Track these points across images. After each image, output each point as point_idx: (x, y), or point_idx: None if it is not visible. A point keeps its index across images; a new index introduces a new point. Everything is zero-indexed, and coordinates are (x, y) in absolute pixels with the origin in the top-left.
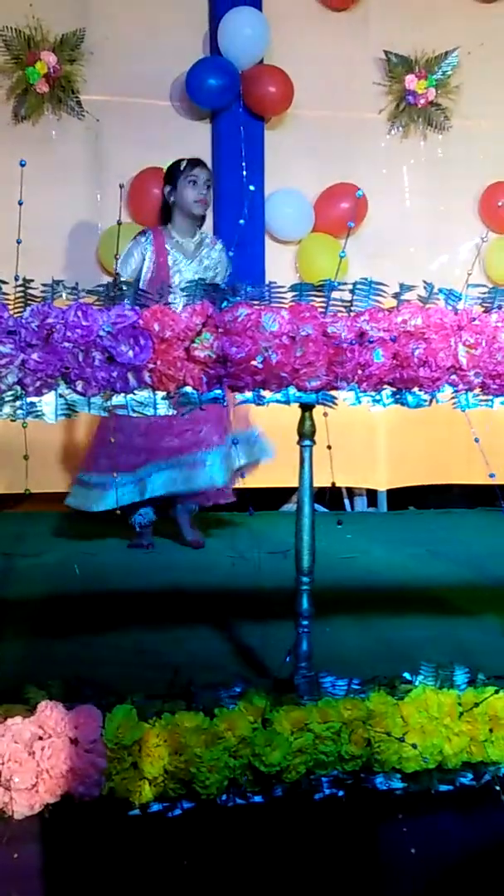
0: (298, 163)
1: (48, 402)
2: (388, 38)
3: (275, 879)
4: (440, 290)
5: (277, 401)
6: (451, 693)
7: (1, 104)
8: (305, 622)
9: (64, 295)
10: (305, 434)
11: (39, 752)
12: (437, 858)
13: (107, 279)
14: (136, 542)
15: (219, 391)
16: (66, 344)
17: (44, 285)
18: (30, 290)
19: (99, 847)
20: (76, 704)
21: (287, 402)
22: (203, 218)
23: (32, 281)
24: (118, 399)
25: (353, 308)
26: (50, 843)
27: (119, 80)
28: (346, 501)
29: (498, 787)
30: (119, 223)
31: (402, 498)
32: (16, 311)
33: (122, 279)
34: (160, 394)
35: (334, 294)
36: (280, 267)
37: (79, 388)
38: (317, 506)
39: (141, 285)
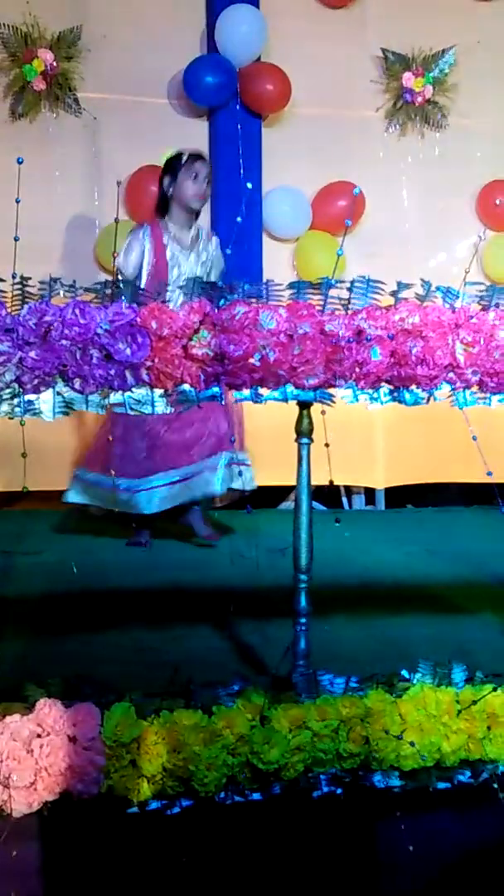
0: (296, 160)
1: (46, 400)
2: (385, 36)
3: (273, 877)
4: (438, 288)
5: (275, 399)
6: (449, 691)
7: None
8: (303, 620)
9: (61, 293)
10: (303, 432)
11: (38, 749)
12: (435, 856)
13: (104, 277)
14: (134, 540)
15: (216, 389)
16: (64, 342)
17: (41, 283)
18: (27, 288)
19: (98, 845)
20: (75, 702)
21: (285, 400)
22: (199, 211)
23: (30, 279)
24: (116, 397)
25: (350, 306)
26: (49, 841)
27: (116, 78)
28: (344, 499)
29: (496, 785)
30: (117, 221)
31: (400, 496)
32: (13, 308)
33: (124, 274)
34: (158, 391)
35: (332, 292)
36: (277, 265)
37: (76, 385)
38: (315, 504)
39: (141, 279)
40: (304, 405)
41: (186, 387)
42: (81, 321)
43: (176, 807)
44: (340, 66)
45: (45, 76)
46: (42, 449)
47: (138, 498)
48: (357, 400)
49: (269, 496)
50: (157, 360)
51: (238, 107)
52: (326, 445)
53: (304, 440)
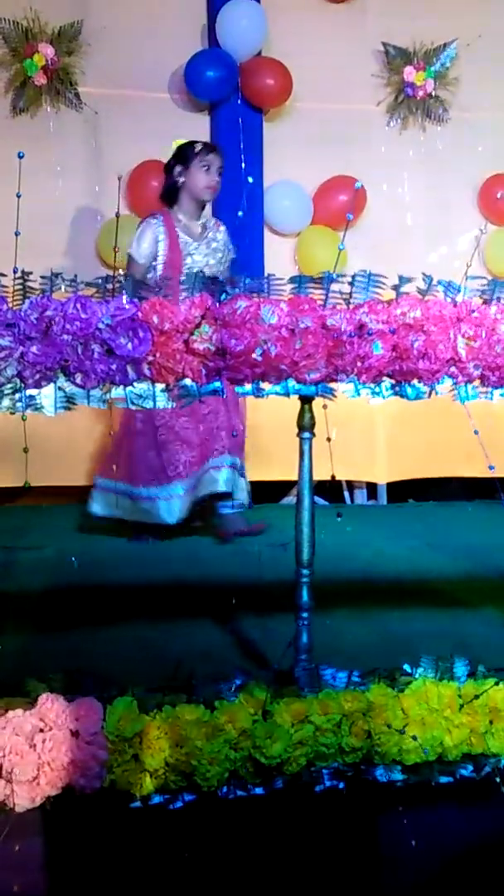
0: (297, 155)
1: (47, 395)
2: (386, 30)
3: (276, 871)
4: (439, 282)
5: (277, 393)
6: (451, 685)
7: None
8: (305, 614)
9: (63, 287)
10: (305, 427)
11: (40, 744)
12: (437, 850)
13: (106, 271)
14: (137, 536)
15: (218, 383)
16: (65, 336)
17: (42, 278)
18: (29, 283)
19: (100, 839)
20: (77, 697)
21: (286, 395)
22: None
23: (31, 273)
24: (117, 392)
25: (352, 300)
26: (51, 836)
27: (117, 73)
28: (346, 494)
29: (498, 779)
30: (118, 215)
31: (402, 491)
32: (15, 303)
33: (137, 263)
34: (159, 386)
35: (333, 286)
36: (279, 259)
37: (78, 380)
38: (316, 498)
39: (156, 270)
40: (306, 400)
41: (188, 381)
42: (83, 316)
43: (178, 801)
44: (341, 60)
45: (45, 71)
46: (44, 444)
47: (159, 507)
48: (359, 394)
49: (271, 491)
50: (158, 355)
51: (239, 101)
52: (328, 440)
53: (306, 435)
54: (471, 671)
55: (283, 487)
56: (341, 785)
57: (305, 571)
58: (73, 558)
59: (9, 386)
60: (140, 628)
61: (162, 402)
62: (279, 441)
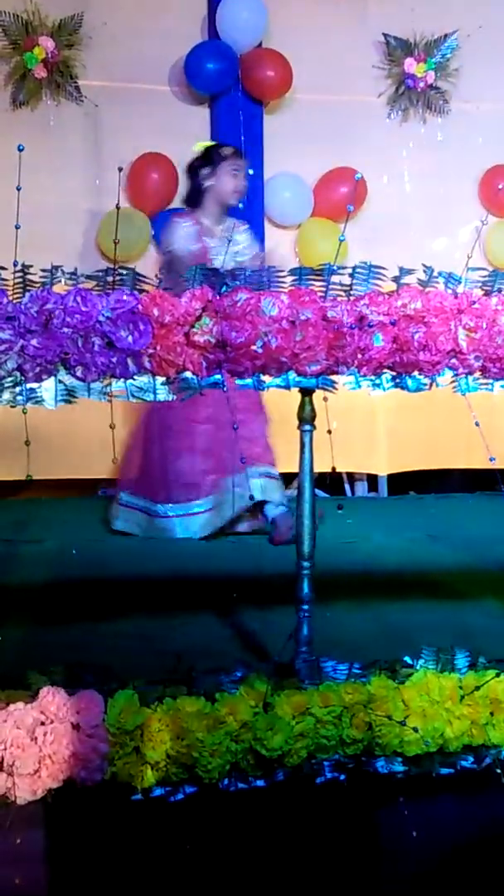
0: (297, 147)
1: (48, 388)
2: (386, 21)
3: (277, 863)
4: (440, 274)
5: (277, 385)
6: (452, 677)
7: None
8: (306, 607)
9: (63, 280)
10: (305, 419)
11: (42, 737)
12: (438, 841)
13: (106, 264)
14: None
15: (218, 376)
16: (66, 329)
17: (43, 271)
18: (29, 276)
19: (102, 832)
20: (78, 690)
21: (287, 387)
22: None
23: (31, 266)
24: (118, 384)
25: (352, 292)
26: (53, 828)
27: (117, 65)
28: (347, 486)
29: (499, 770)
30: (118, 207)
31: (403, 483)
32: (15, 296)
33: (176, 254)
34: (160, 379)
35: (334, 278)
36: (279, 251)
37: (78, 373)
38: (317, 491)
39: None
40: (307, 392)
41: (188, 374)
42: (83, 309)
43: (180, 793)
44: (342, 51)
45: (46, 64)
46: (45, 437)
47: (174, 524)
48: (359, 386)
49: None
50: (158, 348)
51: (239, 93)
52: (329, 432)
53: (307, 427)
54: (471, 663)
55: (283, 480)
56: (342, 777)
57: (306, 564)
58: (74, 551)
59: (9, 379)
60: (141, 621)
61: (162, 395)
62: (280, 434)
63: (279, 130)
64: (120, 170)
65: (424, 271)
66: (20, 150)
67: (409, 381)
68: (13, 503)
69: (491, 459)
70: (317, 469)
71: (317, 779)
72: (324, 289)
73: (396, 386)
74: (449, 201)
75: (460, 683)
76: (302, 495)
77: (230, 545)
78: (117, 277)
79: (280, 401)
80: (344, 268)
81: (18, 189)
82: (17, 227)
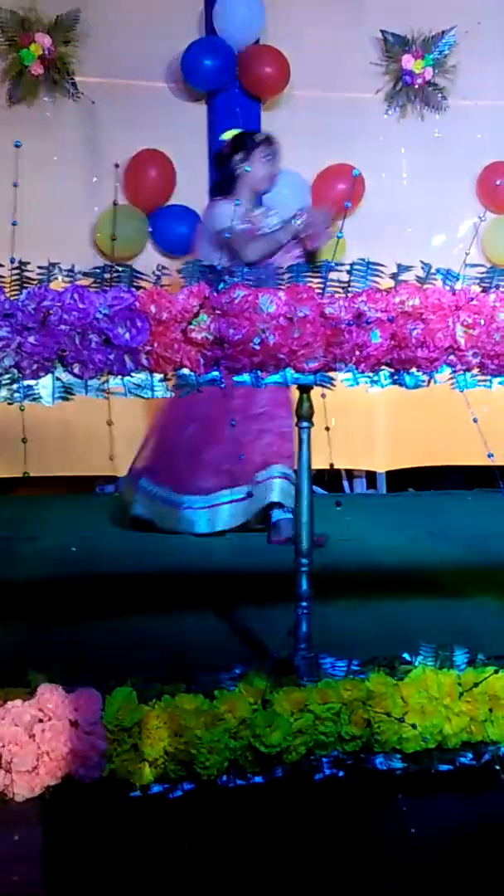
0: (295, 143)
1: (45, 385)
2: (384, 18)
3: (276, 859)
4: (438, 271)
5: (275, 382)
6: (450, 673)
7: None
8: (305, 604)
9: (60, 277)
10: (303, 416)
11: (40, 734)
12: (437, 838)
13: (103, 261)
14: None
15: (216, 373)
16: (63, 326)
17: (40, 268)
18: (26, 273)
19: (100, 829)
20: (76, 687)
21: (285, 384)
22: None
23: (28, 263)
24: (115, 381)
25: (350, 289)
26: (51, 826)
27: (114, 62)
28: (345, 483)
29: (498, 767)
30: (115, 204)
31: (402, 479)
32: (12, 293)
33: (233, 230)
34: (157, 376)
35: (332, 275)
36: None
37: (76, 370)
38: (315, 488)
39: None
40: (304, 389)
41: (186, 371)
42: (80, 306)
43: (178, 790)
44: (339, 48)
45: (42, 60)
46: (42, 434)
47: (198, 516)
48: (357, 383)
49: None
50: (156, 345)
51: (237, 90)
52: (327, 429)
53: (305, 424)
54: (470, 659)
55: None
56: (341, 773)
57: (304, 561)
58: (73, 548)
59: (6, 376)
60: (139, 618)
61: (160, 391)
62: None
63: (277, 127)
64: (117, 166)
65: (422, 268)
66: (17, 146)
67: (408, 378)
68: (10, 500)
69: (489, 456)
70: (315, 466)
71: (315, 775)
72: (321, 285)
73: (394, 383)
74: (447, 198)
75: (459, 680)
76: (300, 492)
77: (227, 542)
78: (114, 274)
79: None
80: (342, 264)
81: (15, 185)
82: (14, 224)
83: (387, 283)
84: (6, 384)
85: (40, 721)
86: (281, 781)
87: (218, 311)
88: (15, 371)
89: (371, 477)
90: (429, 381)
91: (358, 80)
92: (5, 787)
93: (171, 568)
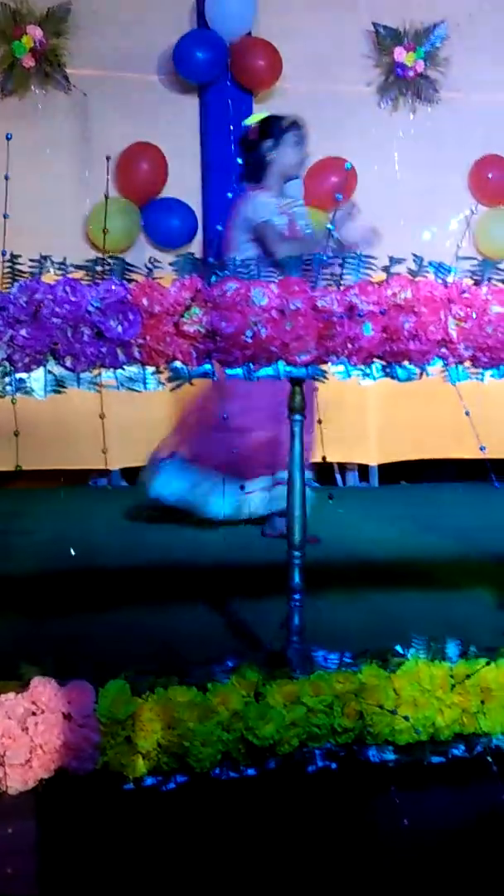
0: None
1: (37, 378)
2: (376, 10)
3: (269, 852)
4: (430, 264)
5: (268, 375)
6: (442, 665)
7: None
8: (297, 596)
9: (52, 270)
10: (295, 409)
11: (33, 727)
12: (429, 830)
13: (95, 254)
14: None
15: (208, 366)
16: (55, 319)
17: (31, 261)
18: (17, 266)
19: (93, 821)
20: (69, 680)
21: (277, 377)
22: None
23: (20, 256)
24: (107, 374)
25: (342, 282)
26: (44, 818)
27: (106, 54)
28: (338, 476)
29: (490, 759)
30: (107, 197)
31: (394, 472)
32: (3, 286)
33: (274, 223)
34: (150, 369)
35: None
36: None
37: (68, 363)
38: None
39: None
40: (297, 381)
41: (178, 364)
42: (72, 299)
43: (171, 783)
44: (331, 40)
45: (34, 53)
46: (35, 427)
47: (224, 501)
48: (349, 376)
49: None
50: (148, 338)
51: (228, 82)
52: (319, 422)
53: (297, 417)
54: (462, 651)
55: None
56: (334, 765)
57: (297, 553)
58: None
59: None
60: (132, 611)
61: (152, 384)
62: None
63: None
64: (108, 159)
65: (414, 261)
66: (8, 138)
67: (400, 371)
68: (3, 493)
69: (482, 449)
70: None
71: (308, 767)
72: (314, 278)
73: (386, 375)
74: (439, 191)
75: (451, 672)
76: (292, 485)
77: (220, 535)
78: (106, 267)
79: None
80: (334, 257)
81: (6, 178)
82: (5, 217)
83: (379, 275)
84: None
85: (33, 714)
86: (274, 774)
87: (210, 304)
88: (7, 364)
89: (363, 470)
90: (421, 374)
91: (350, 72)
92: None
93: (165, 561)
